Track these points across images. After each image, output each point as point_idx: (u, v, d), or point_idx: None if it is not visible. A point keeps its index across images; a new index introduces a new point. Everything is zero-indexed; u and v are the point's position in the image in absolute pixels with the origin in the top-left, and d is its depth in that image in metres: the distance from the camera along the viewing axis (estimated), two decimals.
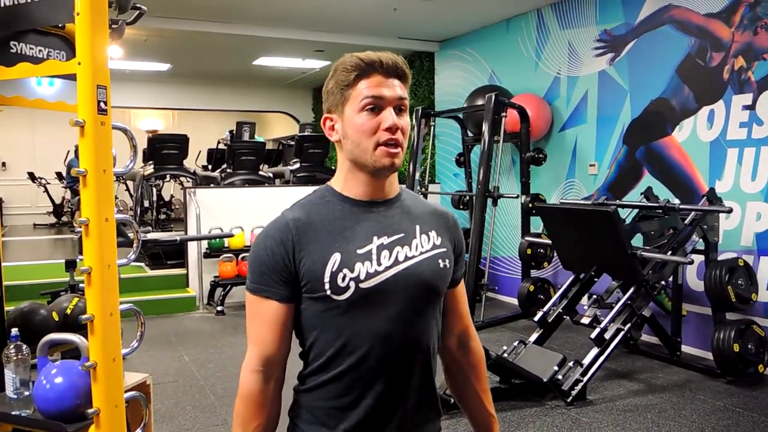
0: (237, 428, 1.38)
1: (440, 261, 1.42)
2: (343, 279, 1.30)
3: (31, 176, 14.25)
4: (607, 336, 4.49)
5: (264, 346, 1.36)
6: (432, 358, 1.43)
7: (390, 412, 1.37)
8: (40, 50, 2.43)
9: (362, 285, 1.31)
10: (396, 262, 1.35)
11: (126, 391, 2.09)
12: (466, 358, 1.58)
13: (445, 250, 1.44)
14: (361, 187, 1.38)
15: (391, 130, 1.32)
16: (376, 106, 1.32)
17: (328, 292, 1.31)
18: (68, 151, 12.98)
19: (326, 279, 1.31)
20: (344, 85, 1.34)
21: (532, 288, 6.41)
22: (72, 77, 1.92)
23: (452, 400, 4.10)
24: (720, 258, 4.86)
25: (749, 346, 4.54)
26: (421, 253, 1.39)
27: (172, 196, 13.27)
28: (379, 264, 1.33)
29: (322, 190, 1.43)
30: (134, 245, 2.06)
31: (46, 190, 14.11)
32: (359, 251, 1.33)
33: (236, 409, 1.39)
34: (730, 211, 4.70)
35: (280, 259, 1.33)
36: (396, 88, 1.34)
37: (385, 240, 1.36)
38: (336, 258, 1.31)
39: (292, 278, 1.33)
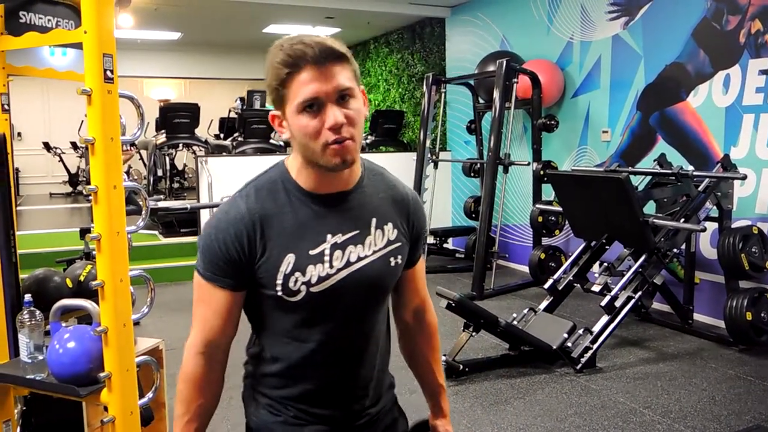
0: (179, 407, 1.38)
1: (392, 259, 1.39)
2: (295, 283, 1.29)
3: (46, 146, 14.31)
4: (617, 304, 4.49)
5: (210, 330, 1.35)
6: (378, 348, 1.45)
7: (337, 403, 1.40)
8: (48, 20, 2.44)
9: (313, 289, 1.29)
10: (347, 264, 1.32)
11: (138, 356, 2.13)
12: (420, 330, 1.60)
13: (399, 245, 1.41)
14: (317, 180, 1.32)
15: (334, 129, 1.22)
16: (314, 104, 1.22)
17: (279, 293, 1.29)
18: (82, 121, 13.01)
19: (278, 281, 1.28)
20: (278, 84, 1.24)
21: (543, 256, 6.41)
22: (80, 46, 1.92)
23: (461, 367, 4.15)
24: (734, 226, 4.83)
25: (762, 314, 4.52)
26: (374, 252, 1.36)
27: (185, 165, 13.31)
28: (331, 266, 1.31)
29: (276, 174, 1.35)
30: (143, 213, 2.08)
31: (61, 160, 14.18)
32: (311, 252, 1.30)
33: (179, 388, 1.39)
34: (744, 177, 4.66)
35: (234, 253, 1.28)
36: (335, 77, 1.22)
37: (339, 238, 1.32)
38: (289, 260, 1.29)
39: (244, 271, 1.30)
